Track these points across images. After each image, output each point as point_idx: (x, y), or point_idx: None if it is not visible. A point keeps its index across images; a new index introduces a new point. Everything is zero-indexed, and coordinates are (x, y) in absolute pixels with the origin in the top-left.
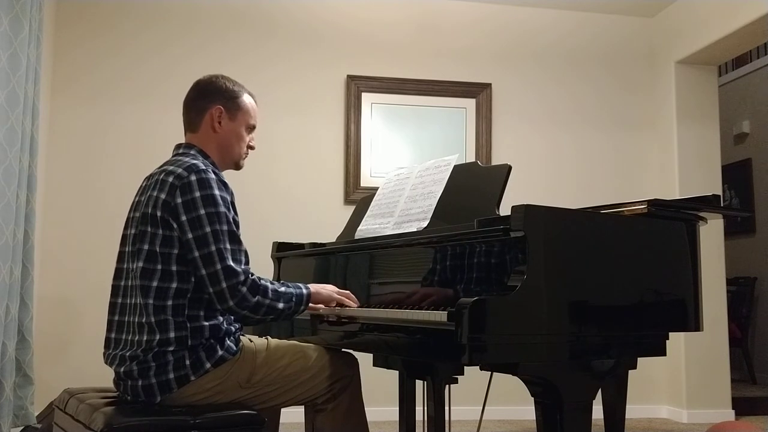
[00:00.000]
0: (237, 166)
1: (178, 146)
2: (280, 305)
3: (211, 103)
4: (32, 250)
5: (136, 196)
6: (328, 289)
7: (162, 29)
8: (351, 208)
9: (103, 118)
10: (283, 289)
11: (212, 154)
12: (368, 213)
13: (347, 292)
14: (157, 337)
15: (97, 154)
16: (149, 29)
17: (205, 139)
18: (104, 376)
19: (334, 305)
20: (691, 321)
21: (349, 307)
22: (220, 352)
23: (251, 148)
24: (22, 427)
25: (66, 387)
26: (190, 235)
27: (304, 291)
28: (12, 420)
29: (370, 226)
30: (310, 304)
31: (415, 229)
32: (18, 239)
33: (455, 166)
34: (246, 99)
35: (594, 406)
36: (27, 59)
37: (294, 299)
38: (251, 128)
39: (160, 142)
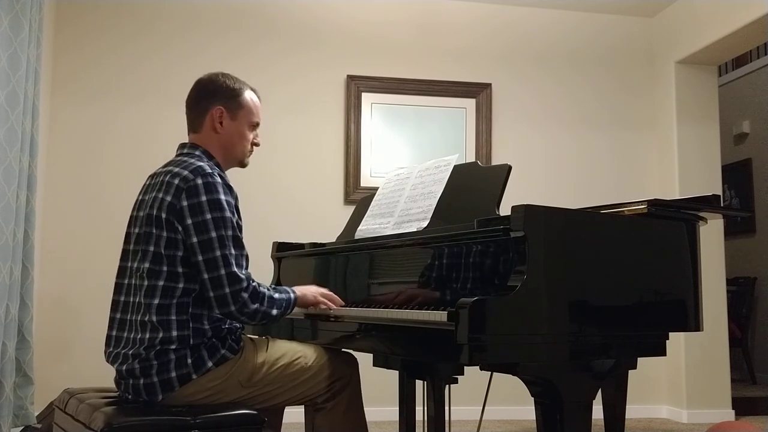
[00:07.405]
0: (242, 164)
1: (183, 146)
2: (274, 312)
3: (212, 103)
4: (32, 250)
5: (139, 195)
6: (311, 291)
7: (162, 29)
8: (351, 208)
9: (103, 118)
10: (276, 296)
11: (216, 154)
12: (368, 213)
13: (330, 294)
14: (160, 335)
15: (97, 154)
16: (149, 29)
17: (208, 140)
18: (104, 376)
19: (310, 307)
20: (691, 321)
21: (328, 309)
22: (222, 351)
23: (256, 144)
24: (22, 427)
25: (66, 387)
26: (195, 239)
27: (292, 296)
28: (12, 420)
29: (370, 226)
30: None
31: (415, 229)
32: (18, 239)
33: (455, 166)
34: (247, 96)
35: (594, 406)
36: (27, 59)
37: (284, 304)
38: (254, 126)
39: (160, 142)
